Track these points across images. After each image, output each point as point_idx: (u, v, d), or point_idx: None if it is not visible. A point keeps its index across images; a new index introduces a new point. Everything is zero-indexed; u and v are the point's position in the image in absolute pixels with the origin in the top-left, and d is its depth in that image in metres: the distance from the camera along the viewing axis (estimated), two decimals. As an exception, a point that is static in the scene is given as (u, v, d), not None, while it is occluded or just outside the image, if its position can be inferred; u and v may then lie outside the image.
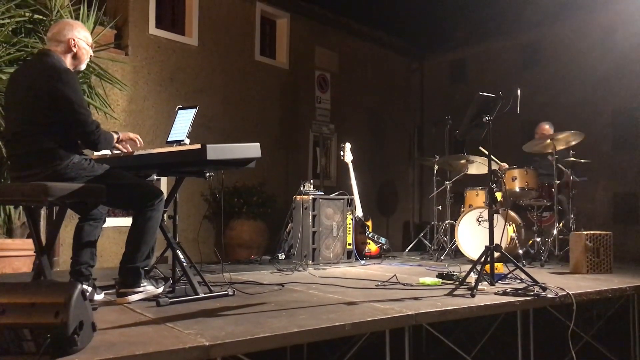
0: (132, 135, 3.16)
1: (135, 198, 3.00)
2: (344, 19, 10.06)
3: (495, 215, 3.84)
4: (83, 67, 3.10)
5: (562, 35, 9.79)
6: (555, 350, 3.57)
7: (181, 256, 3.20)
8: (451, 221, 5.97)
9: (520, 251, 5.24)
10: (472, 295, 3.21)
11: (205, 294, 3.11)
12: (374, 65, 10.76)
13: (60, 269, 5.10)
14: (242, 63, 8.35)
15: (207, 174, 3.31)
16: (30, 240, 4.46)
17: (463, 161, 5.99)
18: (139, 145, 3.16)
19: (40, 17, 5.09)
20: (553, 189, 5.35)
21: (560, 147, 5.45)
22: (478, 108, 3.79)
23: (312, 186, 5.43)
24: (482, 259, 3.61)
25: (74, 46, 2.96)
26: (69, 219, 3.75)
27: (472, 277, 3.55)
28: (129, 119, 6.90)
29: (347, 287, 3.61)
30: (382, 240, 5.90)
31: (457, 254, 5.76)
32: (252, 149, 3.08)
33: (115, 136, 3.04)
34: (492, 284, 3.61)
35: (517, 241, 5.30)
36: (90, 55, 3.11)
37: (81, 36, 3.00)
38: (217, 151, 2.87)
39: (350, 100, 10.13)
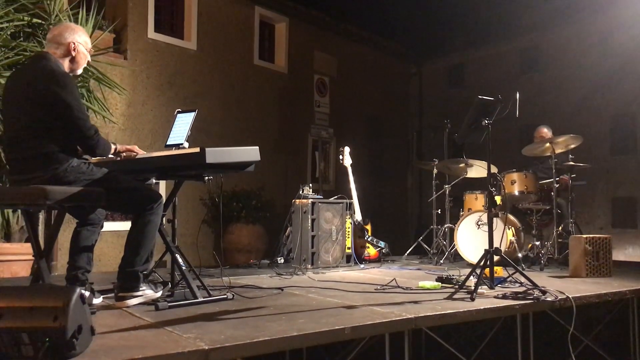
0: (129, 146, 3.16)
1: (134, 202, 2.99)
2: (343, 24, 10.08)
3: (494, 219, 3.83)
4: (80, 71, 3.10)
5: (560, 40, 9.82)
6: (555, 354, 3.56)
7: (180, 260, 3.19)
8: (450, 225, 5.96)
9: (520, 255, 5.23)
10: (472, 299, 3.21)
11: (204, 298, 3.09)
12: (373, 70, 10.77)
13: (59, 273, 5.08)
14: (240, 67, 8.36)
15: (206, 178, 3.31)
16: (28, 245, 4.45)
17: (462, 165, 5.99)
18: (136, 155, 3.15)
19: (39, 21, 5.09)
20: (552, 193, 5.35)
21: (559, 150, 5.45)
22: (477, 112, 3.79)
23: (311, 190, 5.43)
24: (482, 262, 3.60)
25: (74, 50, 2.95)
26: (66, 223, 3.74)
27: (472, 281, 3.54)
28: (127, 123, 6.90)
29: (346, 291, 3.60)
30: (382, 244, 5.89)
31: (456, 258, 5.75)
32: (251, 153, 3.08)
33: (113, 147, 3.04)
34: (491, 288, 3.60)
35: (516, 245, 5.30)
36: (88, 60, 3.11)
37: (81, 40, 3.00)
38: (216, 154, 2.87)
39: (349, 105, 10.14)
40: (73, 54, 2.95)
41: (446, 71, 11.91)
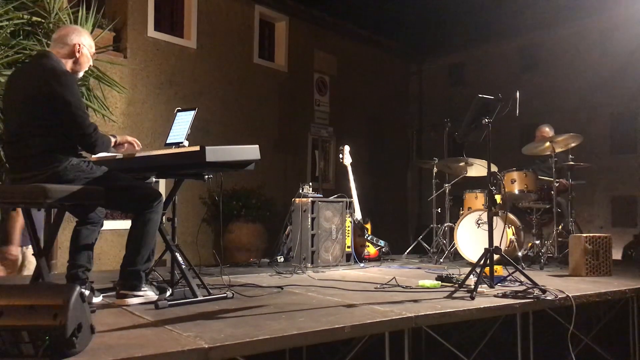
0: (130, 138, 3.16)
1: (134, 200, 2.99)
2: (343, 23, 10.08)
3: (494, 218, 3.82)
4: (81, 74, 3.12)
5: (561, 39, 9.82)
6: (555, 352, 3.56)
7: (180, 259, 3.19)
8: (450, 224, 5.96)
9: (520, 254, 5.23)
10: (472, 298, 3.21)
11: (204, 296, 3.09)
12: (373, 69, 10.77)
13: (58, 272, 5.08)
14: (240, 66, 8.35)
15: (206, 177, 3.30)
16: (28, 243, 4.44)
17: (462, 164, 5.98)
18: (137, 148, 3.16)
19: (39, 19, 5.09)
20: (552, 192, 5.34)
21: (559, 149, 5.45)
22: (478, 110, 3.78)
23: (311, 189, 5.42)
24: (482, 261, 3.60)
25: (78, 52, 2.97)
26: (66, 221, 3.73)
27: (472, 280, 3.54)
28: (127, 122, 6.90)
29: (346, 290, 3.60)
30: (381, 242, 5.88)
31: (456, 257, 5.75)
32: (251, 151, 3.08)
33: (113, 140, 3.04)
34: (491, 287, 3.60)
35: (516, 244, 5.30)
36: (90, 65, 3.12)
37: (87, 44, 3.02)
38: (216, 153, 2.87)
39: (349, 103, 10.14)
40: (77, 55, 2.97)
41: (446, 70, 11.92)
